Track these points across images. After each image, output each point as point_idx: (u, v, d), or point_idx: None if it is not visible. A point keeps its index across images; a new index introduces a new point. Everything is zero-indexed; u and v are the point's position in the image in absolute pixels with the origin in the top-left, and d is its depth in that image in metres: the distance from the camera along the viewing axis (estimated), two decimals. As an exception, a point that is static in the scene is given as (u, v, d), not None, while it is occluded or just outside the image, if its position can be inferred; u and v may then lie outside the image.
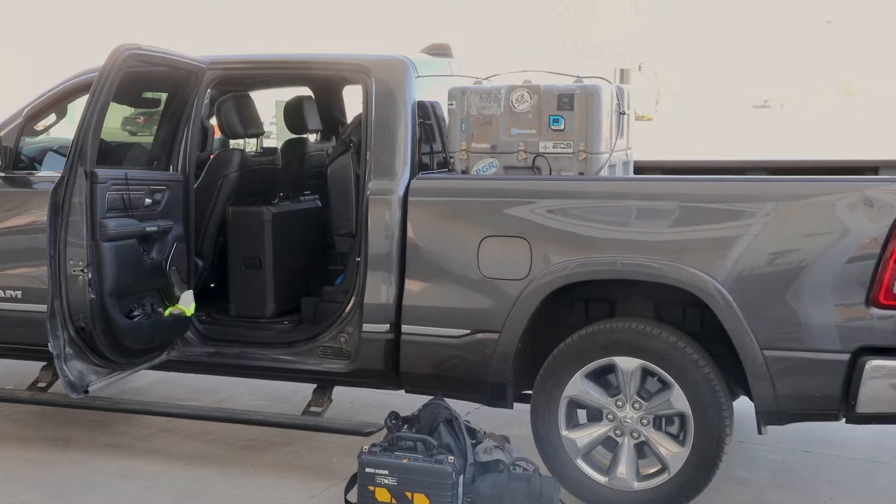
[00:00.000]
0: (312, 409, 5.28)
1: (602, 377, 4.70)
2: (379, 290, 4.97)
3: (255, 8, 32.18)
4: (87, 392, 5.08)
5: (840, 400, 4.34)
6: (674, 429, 4.64)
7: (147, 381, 6.64)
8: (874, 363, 4.24)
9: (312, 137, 6.67)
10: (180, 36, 15.78)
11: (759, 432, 4.60)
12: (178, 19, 28.65)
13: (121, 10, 27.71)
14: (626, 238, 4.58)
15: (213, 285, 6.05)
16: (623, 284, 4.71)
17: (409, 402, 5.06)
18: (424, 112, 5.23)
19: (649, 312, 4.80)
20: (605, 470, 4.72)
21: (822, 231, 4.33)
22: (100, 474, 5.23)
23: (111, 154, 5.59)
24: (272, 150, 6.52)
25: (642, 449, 4.68)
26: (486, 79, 5.35)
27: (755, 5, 46.53)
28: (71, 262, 4.88)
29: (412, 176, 5.02)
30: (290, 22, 30.72)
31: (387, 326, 4.96)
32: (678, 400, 4.52)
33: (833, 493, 5.03)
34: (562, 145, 4.90)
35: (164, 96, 5.65)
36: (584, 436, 4.74)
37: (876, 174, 5.60)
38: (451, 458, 4.38)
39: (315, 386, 5.38)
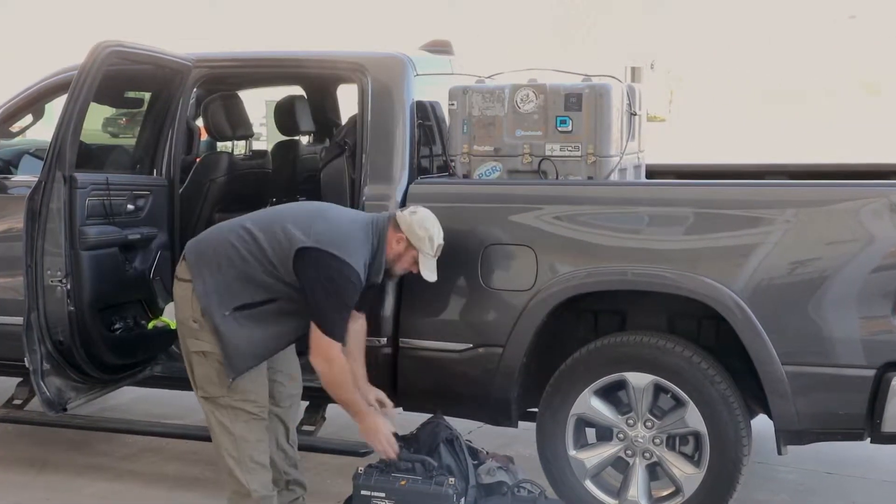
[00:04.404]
0: (305, 427, 5.26)
1: (612, 394, 4.69)
2: (375, 301, 4.95)
3: (255, 8, 32.52)
4: (65, 410, 5.07)
5: (865, 418, 4.33)
6: (688, 449, 4.63)
7: (129, 398, 6.63)
8: (902, 379, 4.23)
9: (305, 139, 6.68)
10: (180, 36, 15.88)
11: (779, 452, 4.58)
12: (178, 19, 28.98)
13: (120, 11, 28.06)
14: (638, 246, 4.57)
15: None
16: (634, 295, 4.70)
17: (407, 421, 5.05)
18: (424, 112, 5.22)
19: (662, 325, 4.79)
20: (615, 492, 4.70)
21: (846, 239, 4.33)
22: (79, 496, 5.23)
23: (91, 157, 5.59)
24: (262, 153, 6.52)
25: (655, 470, 4.67)
26: (488, 77, 5.35)
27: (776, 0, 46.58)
28: (49, 272, 4.88)
29: (411, 180, 5.01)
30: (290, 22, 31.05)
31: (384, 340, 4.95)
32: (693, 418, 4.50)
33: (857, 517, 5.03)
34: (569, 148, 4.90)
35: (147, 96, 5.66)
36: (592, 456, 4.72)
37: (902, 178, 5.61)
38: (451, 479, 4.37)
39: (307, 403, 5.37)
